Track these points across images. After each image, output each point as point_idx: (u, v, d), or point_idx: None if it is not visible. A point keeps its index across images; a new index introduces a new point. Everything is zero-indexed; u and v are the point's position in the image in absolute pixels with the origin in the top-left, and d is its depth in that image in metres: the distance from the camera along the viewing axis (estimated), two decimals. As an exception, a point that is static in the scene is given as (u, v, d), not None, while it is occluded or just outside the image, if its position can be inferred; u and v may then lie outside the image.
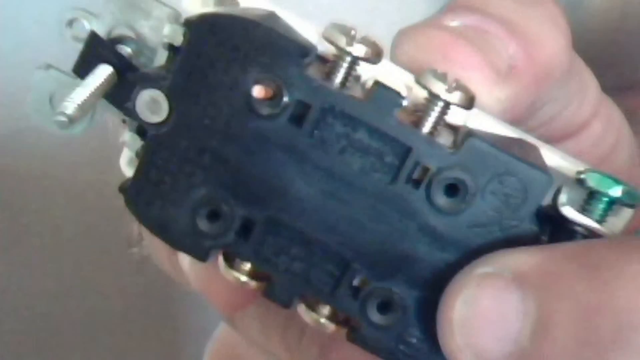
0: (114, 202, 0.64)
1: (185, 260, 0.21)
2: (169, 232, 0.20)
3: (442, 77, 0.19)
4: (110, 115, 0.20)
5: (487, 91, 0.21)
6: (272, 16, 0.20)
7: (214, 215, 0.19)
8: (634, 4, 0.91)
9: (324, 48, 0.19)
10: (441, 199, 0.19)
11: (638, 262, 0.16)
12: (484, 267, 0.17)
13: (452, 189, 0.19)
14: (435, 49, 0.20)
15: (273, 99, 0.19)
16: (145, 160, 0.20)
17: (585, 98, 0.25)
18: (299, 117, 0.19)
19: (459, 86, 0.19)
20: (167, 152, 0.19)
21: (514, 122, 0.22)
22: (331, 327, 0.20)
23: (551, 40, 0.23)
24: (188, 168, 0.19)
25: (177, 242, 0.20)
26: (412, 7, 0.67)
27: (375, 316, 0.20)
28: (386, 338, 0.20)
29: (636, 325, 0.15)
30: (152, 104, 0.19)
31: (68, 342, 0.58)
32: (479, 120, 0.20)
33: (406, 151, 0.19)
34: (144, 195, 0.20)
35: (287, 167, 0.19)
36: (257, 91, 0.19)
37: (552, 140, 0.25)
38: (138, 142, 0.20)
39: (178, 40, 0.19)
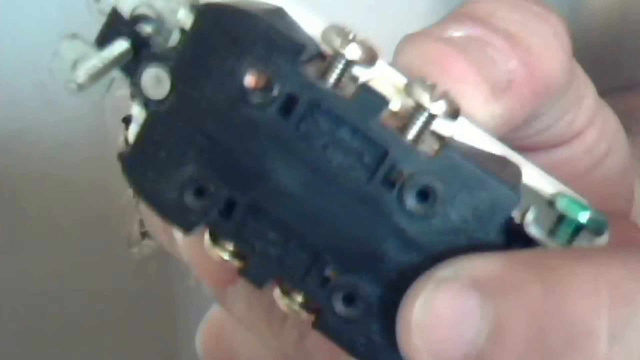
0: (114, 202, 0.64)
1: (179, 233, 0.22)
2: (159, 202, 0.21)
3: (429, 88, 0.19)
4: (124, 91, 0.21)
5: (481, 106, 0.21)
6: (278, 12, 0.21)
7: (200, 192, 0.20)
8: (634, 4, 0.91)
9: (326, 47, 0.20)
10: (412, 203, 0.19)
11: (589, 269, 0.16)
12: (443, 271, 0.18)
13: (424, 195, 0.19)
14: (434, 60, 0.21)
15: (264, 89, 0.20)
16: (143, 133, 0.21)
17: (582, 107, 0.26)
18: (288, 110, 0.20)
19: (445, 97, 0.19)
20: (164, 128, 0.20)
21: (508, 133, 0.22)
22: (303, 314, 0.21)
23: (553, 57, 0.23)
24: (181, 146, 0.20)
25: (164, 212, 0.21)
26: (412, 7, 0.67)
27: (339, 307, 0.20)
28: (348, 330, 0.20)
29: (585, 332, 0.15)
30: (156, 81, 0.20)
31: (68, 342, 0.58)
32: (468, 133, 0.21)
33: (383, 154, 0.19)
34: (139, 165, 0.21)
35: (272, 156, 0.20)
36: (249, 80, 0.20)
37: (545, 147, 0.26)
38: (143, 117, 0.21)
39: (188, 25, 0.20)
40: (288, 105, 0.20)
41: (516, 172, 0.20)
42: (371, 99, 0.19)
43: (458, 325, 0.17)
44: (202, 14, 0.20)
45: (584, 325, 0.16)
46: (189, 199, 0.20)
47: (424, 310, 0.17)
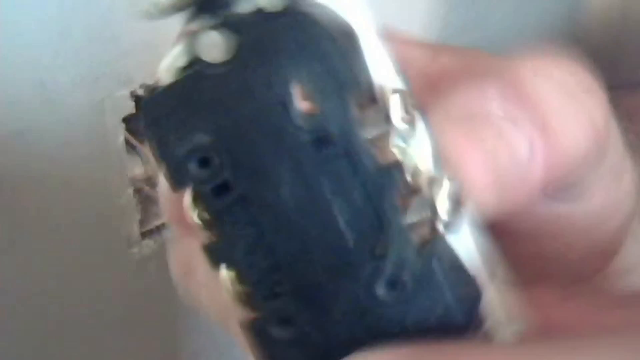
0: (114, 202, 0.64)
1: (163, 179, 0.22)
2: (163, 151, 0.20)
3: (444, 189, 0.19)
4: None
5: (478, 194, 0.21)
6: (351, 36, 0.20)
7: (204, 163, 0.20)
8: (634, 4, 0.91)
9: (380, 86, 0.20)
10: (380, 289, 0.20)
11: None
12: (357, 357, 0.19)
13: (393, 283, 0.20)
14: (454, 149, 0.21)
15: (306, 111, 0.19)
16: (180, 85, 0.20)
17: (621, 182, 0.25)
18: (319, 141, 0.19)
19: (454, 198, 0.19)
20: (202, 90, 0.20)
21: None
22: (236, 305, 0.21)
23: (578, 141, 0.22)
24: (208, 114, 0.20)
25: (164, 161, 0.21)
26: (412, 7, 0.67)
27: (274, 325, 0.20)
28: (275, 346, 0.21)
29: None
30: (214, 46, 0.20)
31: (68, 342, 0.58)
32: (458, 235, 0.20)
33: (378, 227, 0.19)
34: (160, 109, 0.20)
35: (284, 167, 0.19)
36: (295, 90, 0.19)
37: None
38: (182, 60, 0.21)
39: (269, 6, 0.20)
40: (321, 137, 0.19)
41: (475, 295, 0.20)
42: (396, 177, 0.19)
43: None
44: (288, 7, 0.20)
45: None
46: (193, 164, 0.20)
47: None
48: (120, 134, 0.56)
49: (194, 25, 0.21)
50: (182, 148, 0.20)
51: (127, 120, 0.57)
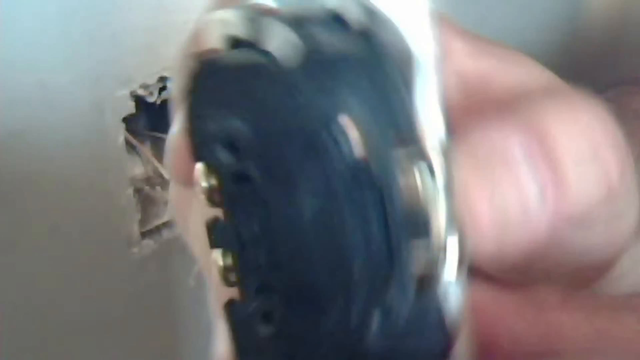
0: (114, 202, 0.64)
1: (181, 141, 0.22)
2: (195, 117, 0.20)
3: (454, 258, 0.19)
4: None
5: (480, 235, 0.20)
6: (412, 71, 0.20)
7: (231, 147, 0.20)
8: (634, 4, 0.90)
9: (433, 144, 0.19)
10: (375, 328, 0.20)
11: None
12: None
13: (386, 316, 0.20)
14: (465, 193, 0.20)
15: (353, 141, 0.19)
16: (230, 63, 0.20)
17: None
18: (356, 171, 0.19)
19: (464, 258, 0.20)
20: (256, 79, 0.19)
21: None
22: (222, 285, 0.21)
23: (590, 195, 0.22)
24: (249, 104, 0.19)
25: (194, 129, 0.20)
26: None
27: (258, 323, 0.20)
28: (249, 335, 0.21)
29: None
30: (286, 44, 0.19)
31: (68, 342, 0.58)
32: (452, 284, 0.20)
33: (387, 271, 0.19)
34: (206, 77, 0.20)
35: (313, 182, 0.19)
36: (349, 119, 0.19)
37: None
38: (241, 31, 0.20)
39: (345, 13, 0.19)
40: (359, 167, 0.19)
41: (453, 340, 0.21)
42: (419, 227, 0.19)
43: None
44: (364, 28, 0.19)
45: None
46: (220, 144, 0.20)
47: None
48: (120, 134, 0.56)
49: (269, 3, 0.20)
50: (216, 125, 0.20)
51: (127, 120, 0.57)
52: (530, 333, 0.21)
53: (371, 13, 0.20)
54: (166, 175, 0.63)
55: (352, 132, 0.19)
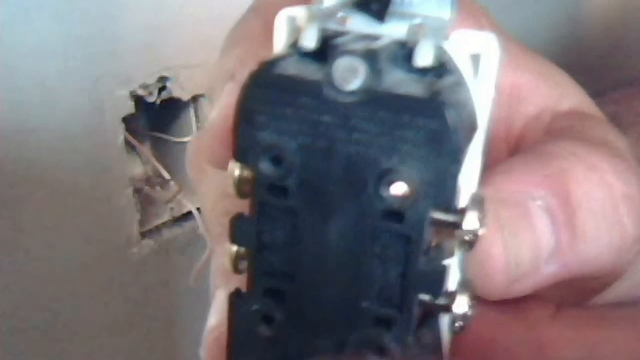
0: (114, 202, 0.64)
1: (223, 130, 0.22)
2: (245, 120, 0.20)
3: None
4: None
5: (489, 281, 0.21)
6: (468, 139, 0.19)
7: (277, 162, 0.20)
8: (634, 4, 0.90)
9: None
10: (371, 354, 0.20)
11: None
12: None
13: (381, 352, 0.20)
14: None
15: (397, 193, 0.19)
16: (294, 77, 0.19)
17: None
18: (396, 216, 0.19)
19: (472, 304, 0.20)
20: (309, 103, 0.19)
21: None
22: (231, 270, 0.21)
23: (602, 253, 0.22)
24: (305, 126, 0.19)
25: (241, 131, 0.20)
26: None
27: (259, 325, 0.21)
28: (247, 335, 0.21)
29: None
30: (350, 73, 0.19)
31: (68, 342, 0.58)
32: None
33: (397, 309, 0.20)
34: (270, 84, 0.20)
35: (346, 213, 0.19)
36: (398, 172, 0.19)
37: None
38: (308, 43, 0.19)
39: (417, 53, 0.19)
40: (395, 216, 0.19)
41: None
42: (436, 284, 0.19)
43: None
44: (433, 92, 0.18)
45: None
46: (266, 155, 0.20)
47: None
48: (120, 134, 0.57)
49: (340, 27, 0.20)
50: (265, 136, 0.20)
51: (126, 120, 0.57)
52: (521, 349, 0.22)
53: (445, 63, 0.19)
54: (165, 175, 0.63)
55: (398, 183, 0.19)
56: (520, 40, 0.25)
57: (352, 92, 0.19)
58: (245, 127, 0.20)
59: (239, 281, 0.21)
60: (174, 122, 0.62)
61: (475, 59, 0.20)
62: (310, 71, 0.19)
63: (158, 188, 0.63)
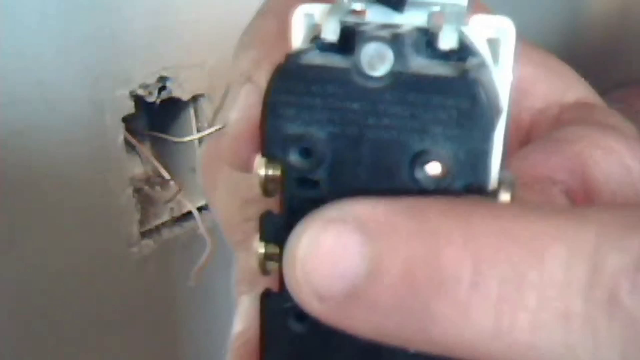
0: (114, 202, 0.64)
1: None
2: (273, 113, 0.20)
3: None
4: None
5: None
6: (496, 118, 0.19)
7: (306, 154, 0.20)
8: (634, 4, 0.91)
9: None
10: None
11: (461, 225, 0.17)
12: (331, 212, 0.18)
13: None
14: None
15: (432, 174, 0.19)
16: (322, 67, 0.19)
17: None
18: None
19: None
20: (337, 91, 0.19)
21: None
22: (259, 272, 0.21)
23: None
24: (335, 115, 0.19)
25: (268, 124, 0.20)
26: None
27: (292, 320, 0.21)
28: (282, 328, 0.21)
29: (456, 278, 0.17)
30: (378, 58, 0.19)
31: (68, 342, 0.58)
32: None
33: None
34: (298, 75, 0.19)
35: None
36: (431, 153, 0.19)
37: None
38: (330, 34, 0.19)
39: (440, 37, 0.19)
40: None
41: None
42: None
43: (339, 263, 0.18)
44: (461, 71, 0.18)
45: (449, 273, 0.17)
46: (295, 148, 0.20)
47: (308, 247, 0.18)
48: (120, 134, 0.57)
49: (363, 17, 0.20)
50: (294, 128, 0.20)
51: (126, 120, 0.57)
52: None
53: (468, 46, 0.19)
54: (165, 175, 0.63)
55: (432, 164, 0.19)
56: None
57: (380, 78, 0.19)
58: (273, 120, 0.20)
59: (265, 285, 0.21)
60: (174, 122, 0.62)
61: (492, 43, 0.20)
62: (335, 61, 0.19)
63: (158, 188, 0.63)
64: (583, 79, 0.26)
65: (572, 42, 0.86)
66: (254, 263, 0.21)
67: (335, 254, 0.18)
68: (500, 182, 0.19)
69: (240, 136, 0.24)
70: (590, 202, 0.22)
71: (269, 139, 0.20)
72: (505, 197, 0.19)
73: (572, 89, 0.26)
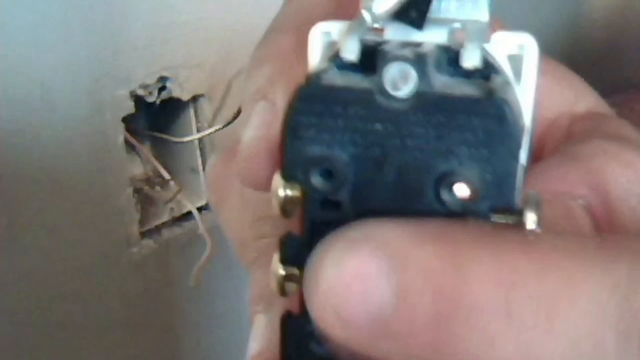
0: (114, 202, 0.64)
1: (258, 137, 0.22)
2: (295, 141, 0.19)
3: None
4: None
5: None
6: (520, 138, 0.19)
7: (327, 175, 0.19)
8: (634, 4, 0.90)
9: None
10: None
11: (491, 255, 0.17)
12: (354, 232, 0.18)
13: None
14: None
15: (455, 196, 0.18)
16: (343, 87, 0.19)
17: None
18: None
19: None
20: (360, 112, 0.19)
21: None
22: (277, 293, 0.20)
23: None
24: (356, 136, 0.19)
25: (289, 146, 0.19)
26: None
27: (314, 345, 0.20)
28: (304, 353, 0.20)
29: (487, 311, 0.16)
30: (401, 79, 0.18)
31: (68, 342, 0.58)
32: None
33: None
34: (318, 95, 0.19)
35: None
36: (456, 174, 0.18)
37: None
38: (350, 53, 0.19)
39: (464, 56, 0.19)
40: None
41: None
42: None
43: (365, 289, 0.17)
44: (486, 92, 0.18)
45: (480, 305, 0.16)
46: (315, 170, 0.19)
47: (331, 269, 0.17)
48: (120, 134, 0.57)
49: (389, 37, 0.19)
50: (316, 150, 0.19)
51: (126, 120, 0.57)
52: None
53: (491, 64, 0.19)
54: (165, 175, 0.63)
55: (458, 185, 0.18)
56: None
57: (404, 98, 0.18)
58: (293, 142, 0.19)
59: (282, 304, 0.21)
60: (174, 122, 0.62)
61: (512, 59, 0.20)
62: (357, 81, 0.19)
63: (158, 188, 0.63)
64: (591, 87, 0.26)
65: (571, 45, 0.86)
66: (271, 283, 0.20)
67: (360, 279, 0.17)
68: (526, 201, 0.19)
69: (256, 156, 0.23)
70: (610, 217, 0.22)
71: (290, 160, 0.19)
72: (531, 217, 0.18)
73: (583, 99, 0.26)
